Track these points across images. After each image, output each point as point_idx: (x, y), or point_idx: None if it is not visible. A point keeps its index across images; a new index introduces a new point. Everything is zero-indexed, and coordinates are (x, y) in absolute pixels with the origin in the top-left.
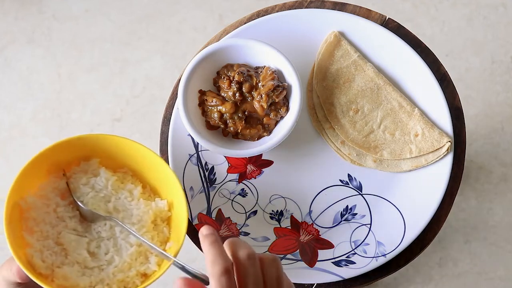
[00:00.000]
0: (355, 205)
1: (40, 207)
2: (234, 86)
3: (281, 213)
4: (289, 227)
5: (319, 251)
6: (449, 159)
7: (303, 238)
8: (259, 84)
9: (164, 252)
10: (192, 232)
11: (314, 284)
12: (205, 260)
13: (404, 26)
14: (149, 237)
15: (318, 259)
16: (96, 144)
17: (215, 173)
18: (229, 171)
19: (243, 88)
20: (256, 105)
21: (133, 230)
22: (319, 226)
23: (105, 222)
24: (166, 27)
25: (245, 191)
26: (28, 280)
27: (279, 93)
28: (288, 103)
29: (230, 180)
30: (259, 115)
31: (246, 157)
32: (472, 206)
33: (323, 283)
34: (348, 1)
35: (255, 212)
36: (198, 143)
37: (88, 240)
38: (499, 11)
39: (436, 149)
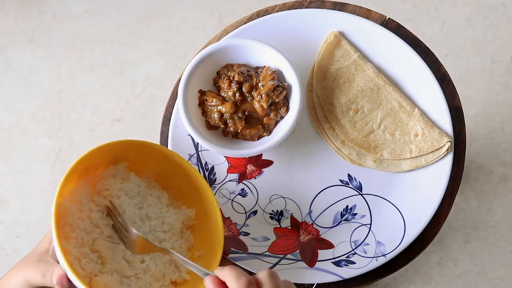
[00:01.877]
0: (355, 205)
1: (74, 212)
2: (234, 86)
3: (281, 213)
4: (289, 227)
5: (319, 251)
6: (449, 159)
7: (303, 238)
8: (259, 84)
9: (208, 271)
10: None
11: (314, 284)
12: (228, 278)
13: (404, 26)
14: (178, 245)
15: (318, 259)
16: (126, 148)
17: (215, 173)
18: (229, 171)
19: (243, 88)
20: (256, 105)
21: (180, 256)
22: (319, 226)
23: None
24: (166, 27)
25: (245, 191)
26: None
27: (279, 93)
28: (288, 103)
29: (230, 180)
30: (259, 115)
31: (246, 157)
32: (472, 206)
33: (323, 283)
34: (348, 1)
35: (255, 212)
36: (198, 143)
37: (124, 248)
38: (499, 11)
39: (436, 149)
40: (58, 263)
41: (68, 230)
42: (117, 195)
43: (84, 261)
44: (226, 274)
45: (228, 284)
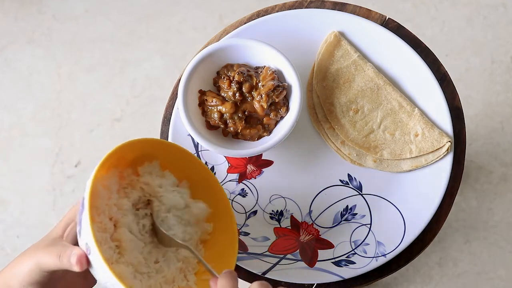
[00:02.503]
0: (355, 205)
1: (103, 197)
2: (234, 86)
3: (281, 213)
4: (289, 227)
5: (319, 251)
6: (449, 159)
7: (303, 238)
8: (259, 84)
9: (216, 274)
10: None
11: (314, 284)
12: (220, 286)
13: (404, 26)
14: (190, 256)
15: (318, 259)
16: (156, 148)
17: (215, 173)
18: (229, 171)
19: (243, 88)
20: (256, 105)
21: (197, 253)
22: (319, 226)
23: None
24: (166, 27)
25: (245, 191)
26: (84, 269)
27: (279, 93)
28: (288, 103)
29: (230, 180)
30: (259, 115)
31: (246, 157)
32: (472, 206)
33: (323, 283)
34: (348, 1)
35: (255, 212)
36: (198, 143)
37: (143, 245)
38: (499, 11)
39: (436, 149)
40: (76, 245)
41: (94, 213)
42: (157, 191)
43: (104, 247)
44: (222, 285)
45: None
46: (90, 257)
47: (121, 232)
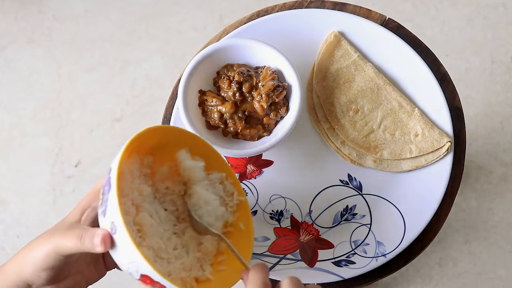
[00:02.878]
0: (355, 205)
1: (127, 179)
2: (234, 86)
3: (281, 213)
4: (289, 227)
5: (319, 251)
6: (449, 159)
7: (303, 238)
8: (259, 84)
9: (247, 265)
10: None
11: (314, 284)
12: (251, 282)
13: (404, 26)
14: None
15: (318, 259)
16: (176, 137)
17: None
18: None
19: (243, 88)
20: (256, 105)
21: (228, 242)
22: (319, 226)
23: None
24: (166, 27)
25: (245, 191)
26: (108, 249)
27: (279, 93)
28: (288, 103)
29: None
30: (259, 115)
31: (246, 157)
32: (472, 206)
33: (323, 283)
34: (348, 1)
35: (255, 212)
36: None
37: (162, 231)
38: (499, 11)
39: (436, 149)
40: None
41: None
42: (201, 178)
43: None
44: (253, 278)
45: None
46: (115, 237)
47: (142, 216)
